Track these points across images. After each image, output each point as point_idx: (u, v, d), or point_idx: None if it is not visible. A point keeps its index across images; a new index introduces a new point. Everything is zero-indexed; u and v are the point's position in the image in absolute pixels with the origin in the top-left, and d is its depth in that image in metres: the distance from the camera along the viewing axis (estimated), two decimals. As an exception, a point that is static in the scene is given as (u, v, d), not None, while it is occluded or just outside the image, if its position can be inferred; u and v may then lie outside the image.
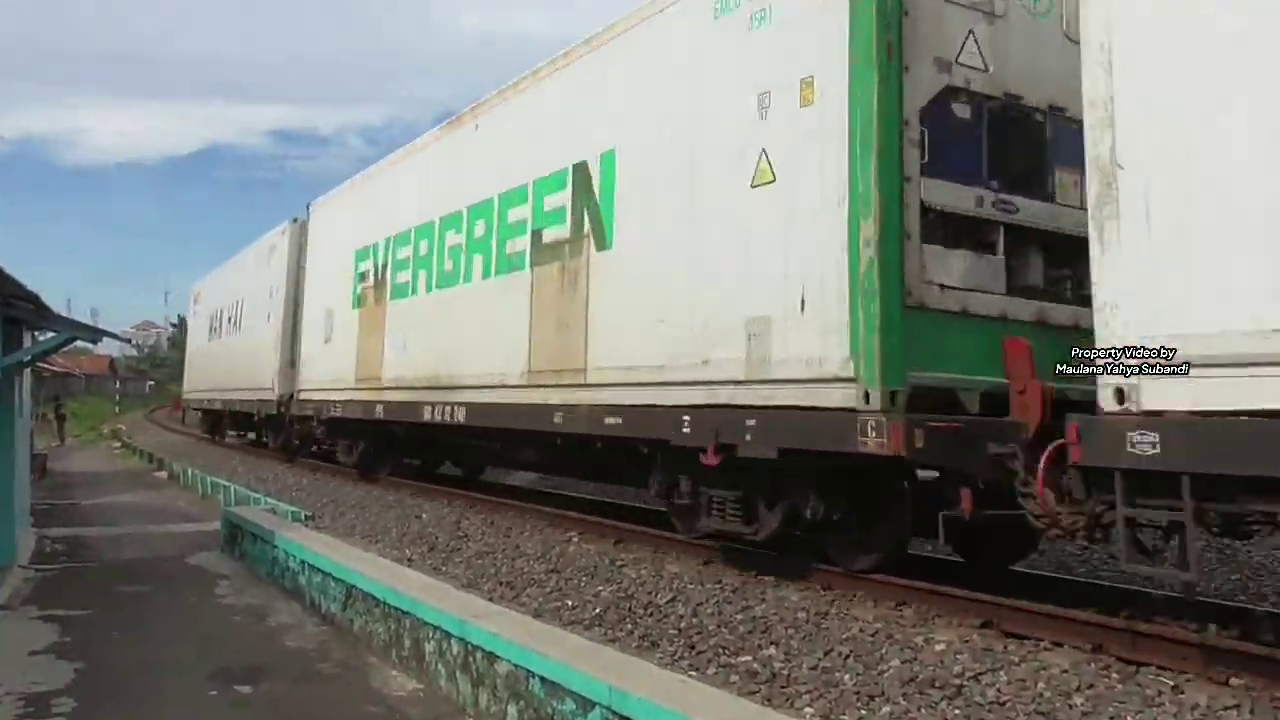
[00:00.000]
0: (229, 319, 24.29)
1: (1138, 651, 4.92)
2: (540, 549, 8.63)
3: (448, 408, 10.90)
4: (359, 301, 14.24)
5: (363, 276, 14.13)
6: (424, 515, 11.04)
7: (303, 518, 11.37)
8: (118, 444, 32.91)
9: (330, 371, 15.13)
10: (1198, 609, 5.57)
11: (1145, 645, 4.95)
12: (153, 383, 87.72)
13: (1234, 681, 4.51)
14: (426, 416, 11.36)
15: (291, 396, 17.37)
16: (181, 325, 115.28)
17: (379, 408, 13.05)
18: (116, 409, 56.71)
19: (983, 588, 6.13)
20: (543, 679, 4.96)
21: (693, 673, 5.22)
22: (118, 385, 68.18)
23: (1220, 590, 7.69)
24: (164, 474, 21.34)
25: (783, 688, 4.89)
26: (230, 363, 23.09)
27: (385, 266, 13.32)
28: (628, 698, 4.39)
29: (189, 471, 18.69)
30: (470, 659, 5.66)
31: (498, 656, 5.37)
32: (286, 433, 18.65)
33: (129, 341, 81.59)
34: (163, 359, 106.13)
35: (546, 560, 8.19)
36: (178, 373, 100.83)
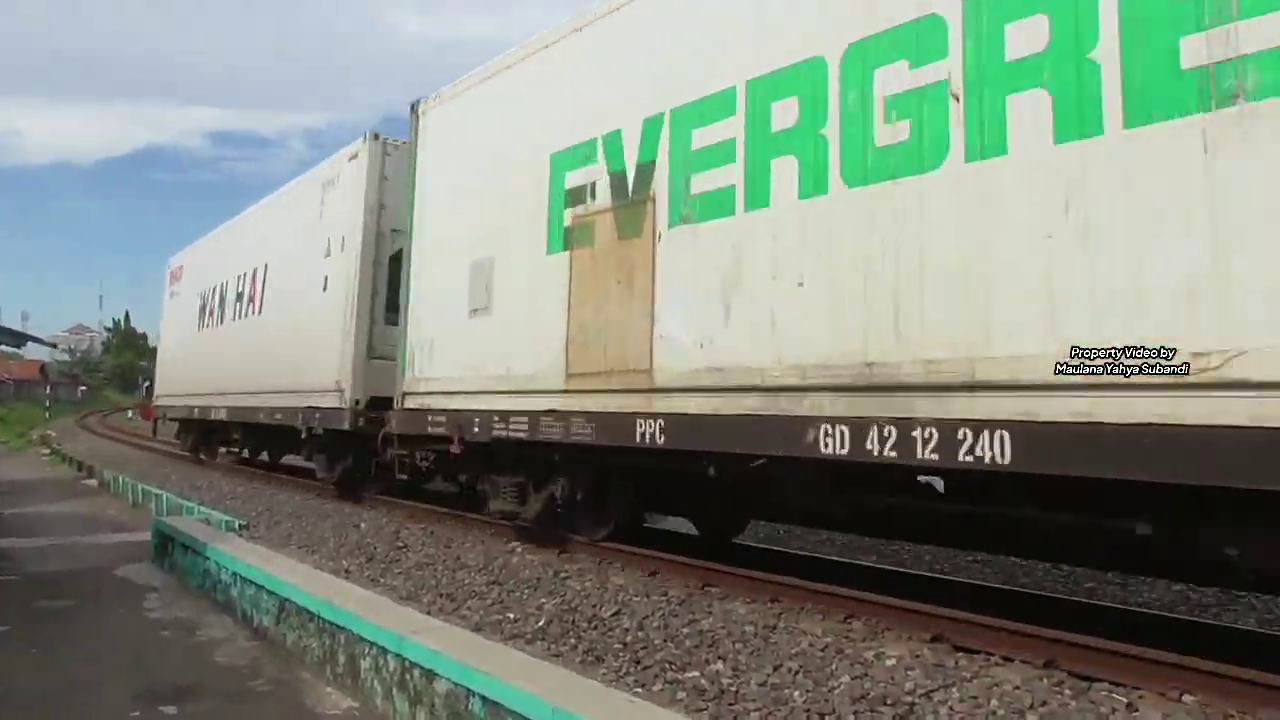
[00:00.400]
0: (239, 295, 17.32)
1: (1090, 666, 4.85)
2: (482, 560, 8.42)
3: (965, 435, 4.88)
4: (567, 240, 7.97)
5: (575, 196, 7.94)
6: (362, 525, 10.75)
7: (237, 527, 11.01)
8: (46, 451, 31.91)
9: (490, 359, 8.84)
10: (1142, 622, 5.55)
11: (1098, 660, 4.88)
12: (85, 388, 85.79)
13: (1187, 698, 4.46)
14: (829, 448, 5.51)
15: (389, 404, 10.99)
16: (117, 329, 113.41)
17: (649, 427, 6.79)
18: (47, 415, 55.08)
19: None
20: (483, 698, 4.76)
21: (639, 690, 5.07)
22: (48, 391, 66.29)
23: (1162, 601, 7.73)
24: (94, 482, 20.69)
25: (731, 705, 4.75)
26: (243, 356, 16.53)
27: (649, 169, 7.17)
28: (572, 719, 4.22)
29: (119, 479, 18.11)
30: (408, 676, 5.44)
31: (436, 674, 5.16)
32: (373, 459, 11.81)
33: (54, 346, 79.45)
34: (96, 364, 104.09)
35: (488, 572, 7.99)
36: (114, 377, 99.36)
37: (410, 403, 10.25)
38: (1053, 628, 5.30)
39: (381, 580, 8.08)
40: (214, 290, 19.15)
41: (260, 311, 16.09)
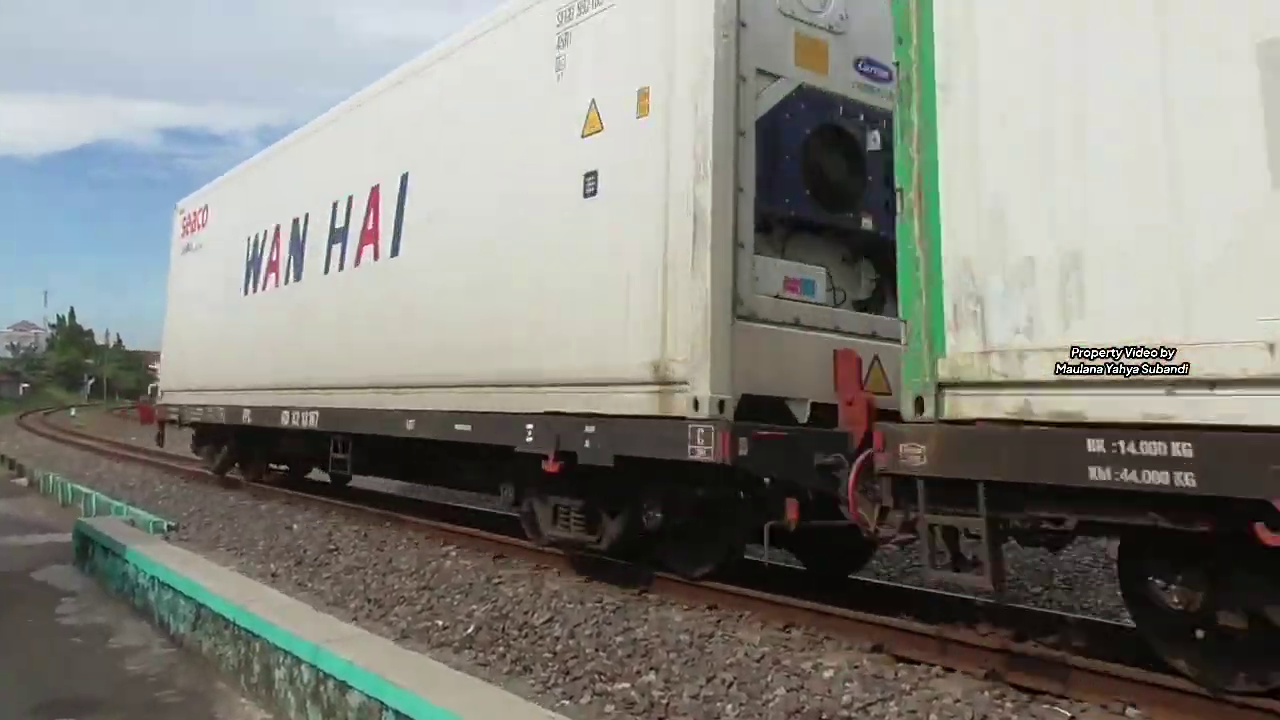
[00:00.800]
0: (336, 232, 10.84)
1: (1033, 678, 4.67)
2: (415, 564, 8.12)
3: None
4: None
5: None
6: (295, 526, 10.40)
7: (165, 528, 10.61)
8: (-21, 449, 30.99)
9: None
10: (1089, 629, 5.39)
11: (1041, 671, 4.71)
12: (27, 385, 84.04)
13: (1131, 711, 4.29)
14: None
15: (772, 407, 6.20)
16: (61, 326, 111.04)
17: None
18: (-14, 412, 53.76)
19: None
20: (397, 713, 4.48)
21: (565, 702, 4.84)
22: (-11, 387, 64.72)
23: (1105, 607, 7.60)
24: (24, 481, 20.04)
25: (661, 719, 4.53)
26: (357, 328, 10.22)
27: None
28: (487, 735, 3.97)
29: (50, 478, 17.52)
30: (322, 688, 5.14)
31: (350, 686, 4.87)
32: (768, 522, 6.04)
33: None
34: (40, 361, 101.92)
35: (420, 576, 7.69)
36: (57, 375, 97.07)
37: (979, 406, 4.52)
38: (995, 636, 5.11)
39: (309, 584, 7.79)
40: (274, 232, 12.66)
41: (394, 252, 9.59)
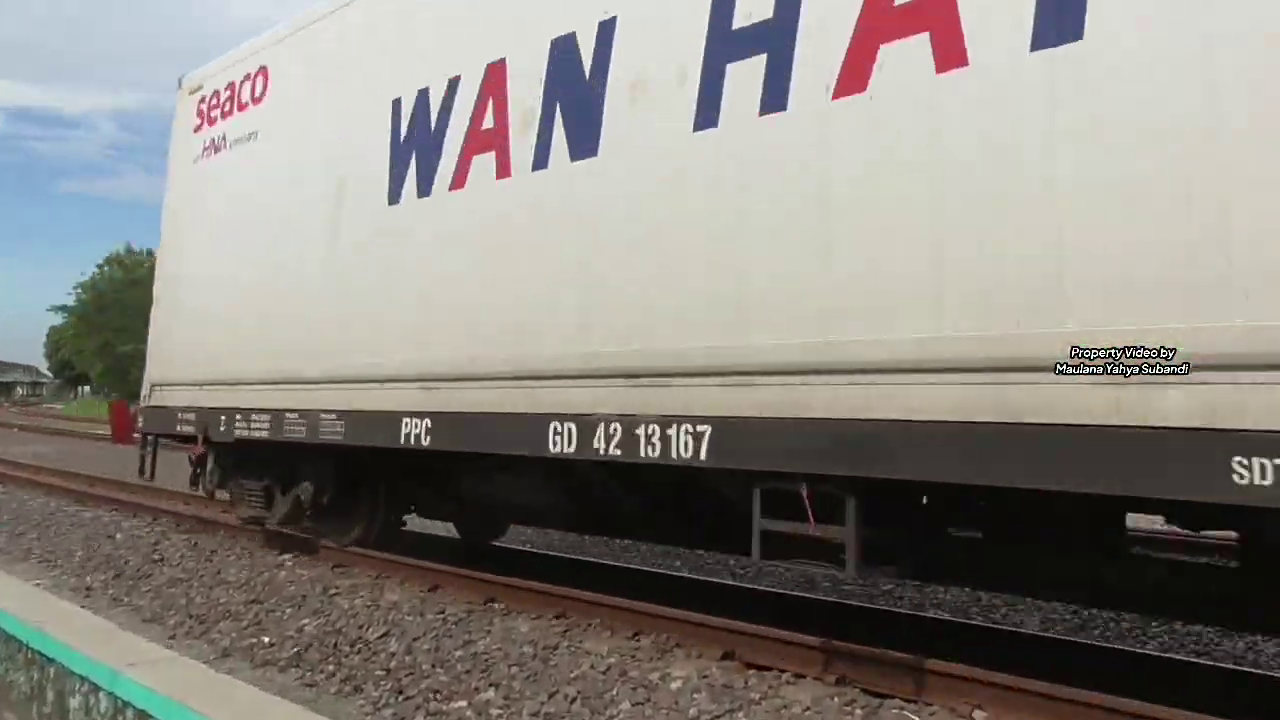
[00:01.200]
0: (755, 26, 4.45)
1: (883, 682, 4.55)
2: (245, 576, 7.56)
3: None
4: None
5: None
6: (118, 535, 9.62)
7: (-30, 540, 9.69)
8: None
9: None
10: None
11: (891, 675, 4.58)
12: None
13: (978, 714, 4.20)
14: None
15: None
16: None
17: None
18: None
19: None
20: (201, 745, 4.06)
21: (396, 724, 4.49)
22: None
23: (955, 602, 7.62)
24: None
25: (497, 740, 4.22)
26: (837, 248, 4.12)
27: None
28: (296, 769, 3.58)
29: None
30: (120, 718, 4.65)
31: (151, 715, 4.40)
32: None
33: None
34: None
35: (250, 589, 7.16)
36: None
37: None
38: (845, 640, 4.97)
39: (125, 599, 7.19)
40: (482, 82, 6.01)
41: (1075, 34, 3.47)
